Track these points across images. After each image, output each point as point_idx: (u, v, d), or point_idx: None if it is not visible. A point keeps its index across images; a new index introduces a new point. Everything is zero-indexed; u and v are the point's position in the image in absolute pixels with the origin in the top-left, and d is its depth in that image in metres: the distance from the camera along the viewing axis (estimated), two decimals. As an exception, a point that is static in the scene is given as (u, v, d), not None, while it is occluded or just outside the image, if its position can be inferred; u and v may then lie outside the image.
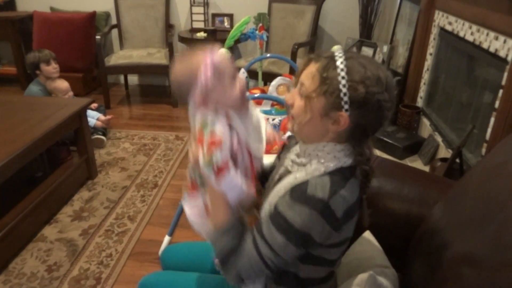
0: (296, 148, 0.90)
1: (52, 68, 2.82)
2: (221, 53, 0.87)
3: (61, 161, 2.33)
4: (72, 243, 1.92)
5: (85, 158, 2.38)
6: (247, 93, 0.92)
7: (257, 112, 0.96)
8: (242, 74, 2.17)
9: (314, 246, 0.80)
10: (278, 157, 1.01)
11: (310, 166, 0.82)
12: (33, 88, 2.79)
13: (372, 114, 0.76)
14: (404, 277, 1.02)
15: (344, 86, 0.74)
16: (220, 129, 0.83)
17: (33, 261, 1.81)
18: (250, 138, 0.89)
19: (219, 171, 0.81)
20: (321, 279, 0.89)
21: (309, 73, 0.79)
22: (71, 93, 2.88)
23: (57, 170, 2.23)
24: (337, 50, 0.79)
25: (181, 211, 1.71)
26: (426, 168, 2.12)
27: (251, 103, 0.94)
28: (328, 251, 0.82)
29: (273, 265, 0.81)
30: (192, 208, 0.93)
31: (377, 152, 2.33)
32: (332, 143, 0.81)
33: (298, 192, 0.77)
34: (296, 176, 0.82)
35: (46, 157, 2.28)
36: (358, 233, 1.09)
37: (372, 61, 0.77)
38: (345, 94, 0.74)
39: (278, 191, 0.83)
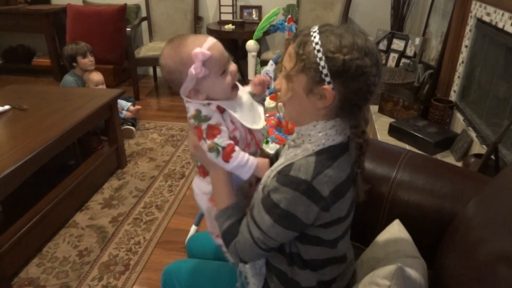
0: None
1: (89, 60, 2.90)
2: (213, 44, 0.86)
3: (92, 150, 2.39)
4: (102, 230, 1.98)
5: (115, 147, 2.44)
6: (237, 84, 0.93)
7: (244, 91, 0.97)
8: (271, 66, 2.16)
9: (305, 227, 0.80)
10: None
11: (302, 147, 0.83)
12: (69, 78, 2.88)
13: (356, 82, 0.74)
14: (434, 274, 0.99)
15: (320, 59, 0.73)
16: (215, 120, 0.87)
17: (65, 246, 1.87)
18: (243, 121, 0.90)
19: (225, 152, 0.86)
20: (328, 260, 0.88)
21: (288, 54, 0.79)
22: (103, 86, 2.96)
23: (88, 159, 2.29)
24: (314, 27, 0.78)
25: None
26: (459, 164, 2.05)
27: (240, 86, 0.96)
28: (322, 231, 0.82)
29: (265, 246, 0.83)
30: (199, 184, 0.99)
31: (407, 147, 2.28)
32: (323, 120, 0.80)
33: (283, 175, 0.78)
34: (287, 158, 0.83)
35: (78, 146, 2.35)
36: (387, 222, 1.07)
37: (348, 30, 0.76)
38: (323, 67, 0.73)
39: (270, 173, 0.85)
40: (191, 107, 0.89)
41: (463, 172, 1.23)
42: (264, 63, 2.47)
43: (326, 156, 0.79)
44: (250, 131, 0.93)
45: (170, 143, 2.87)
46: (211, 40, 0.87)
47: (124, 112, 2.96)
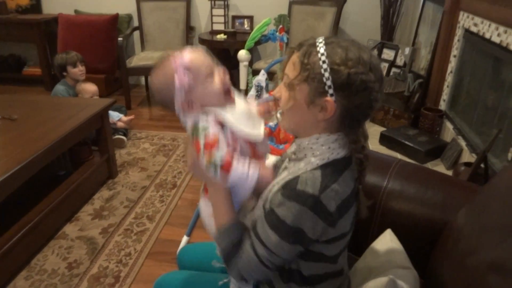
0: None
1: (79, 70, 2.88)
2: (192, 52, 0.85)
3: (83, 160, 2.37)
4: (92, 241, 1.95)
5: (106, 157, 2.42)
6: (230, 86, 0.90)
7: (241, 99, 0.94)
8: (262, 75, 2.17)
9: (310, 243, 0.78)
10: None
11: (305, 160, 0.81)
12: (60, 87, 2.86)
13: (358, 97, 0.74)
14: (425, 283, 0.99)
15: (325, 70, 0.73)
16: (213, 130, 0.83)
17: (54, 258, 1.84)
18: (243, 127, 0.86)
19: (223, 168, 0.81)
20: (327, 275, 0.87)
21: (291, 62, 0.79)
22: (96, 97, 2.94)
23: (79, 169, 2.27)
24: (320, 37, 0.78)
25: (199, 212, 1.71)
26: (449, 173, 2.07)
27: (236, 92, 0.93)
28: (326, 247, 0.81)
29: (271, 264, 0.81)
30: (206, 207, 0.94)
31: (398, 156, 2.29)
32: (325, 134, 0.80)
33: (289, 189, 0.77)
34: (290, 172, 0.82)
35: (68, 156, 2.33)
36: (378, 232, 1.07)
37: (354, 43, 0.76)
38: (327, 78, 0.73)
39: (272, 187, 0.83)
40: (188, 121, 0.86)
41: (453, 181, 1.24)
42: (255, 72, 2.48)
43: (332, 170, 0.77)
44: (251, 144, 0.90)
45: (162, 153, 2.85)
46: (190, 48, 0.86)
47: (115, 120, 2.93)
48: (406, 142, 2.28)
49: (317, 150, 0.80)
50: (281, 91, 0.82)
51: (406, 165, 1.22)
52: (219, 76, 0.87)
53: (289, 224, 0.75)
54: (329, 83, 0.73)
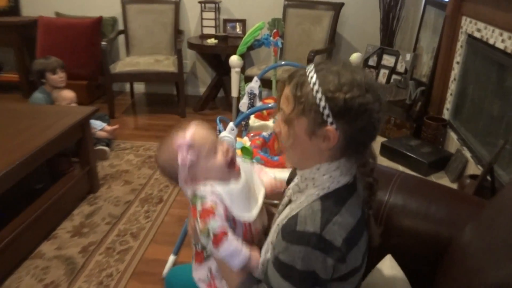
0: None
1: (58, 77, 2.87)
2: (195, 130, 0.95)
3: (62, 173, 2.35)
4: (70, 261, 1.92)
5: (87, 170, 2.40)
6: (235, 159, 0.98)
7: (246, 174, 0.99)
8: (255, 82, 2.17)
9: (324, 283, 0.77)
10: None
11: (306, 192, 0.82)
12: (38, 95, 2.85)
13: (360, 120, 0.75)
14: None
15: (320, 99, 0.74)
16: (211, 198, 0.89)
17: (29, 280, 1.81)
18: (235, 208, 0.91)
19: (216, 239, 0.86)
20: None
21: (285, 97, 0.80)
22: (74, 104, 2.92)
23: (58, 183, 2.24)
24: (310, 65, 0.80)
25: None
26: (454, 186, 2.08)
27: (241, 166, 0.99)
28: (340, 285, 0.79)
29: None
30: (197, 273, 1.01)
31: (400, 168, 2.30)
32: (326, 162, 0.80)
33: (289, 231, 0.77)
34: (292, 207, 0.83)
35: (46, 168, 2.30)
36: (378, 257, 1.06)
37: (346, 66, 0.77)
38: (324, 107, 0.74)
39: (276, 228, 0.84)
40: (189, 191, 0.94)
41: (459, 195, 1.24)
42: (248, 79, 2.49)
43: (333, 200, 0.78)
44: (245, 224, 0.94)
45: (148, 165, 2.83)
46: (193, 127, 0.94)
47: (97, 130, 2.91)
48: (408, 153, 2.29)
49: (317, 180, 0.81)
50: (280, 126, 0.83)
51: (408, 178, 1.22)
52: (222, 151, 0.94)
53: (300, 269, 0.74)
54: (326, 112, 0.74)
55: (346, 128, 0.75)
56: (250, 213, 0.93)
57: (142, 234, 2.12)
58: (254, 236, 0.96)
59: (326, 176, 0.80)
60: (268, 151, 1.92)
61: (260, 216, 0.97)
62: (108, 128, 2.99)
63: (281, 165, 1.66)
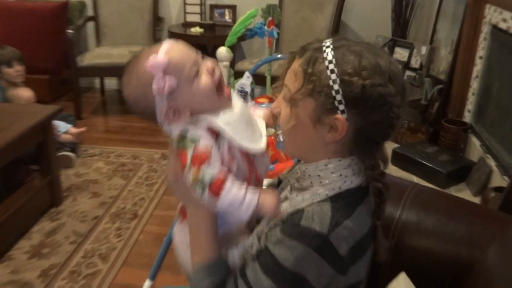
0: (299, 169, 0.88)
1: (15, 71, 2.86)
2: (169, 46, 0.84)
3: (19, 183, 2.33)
4: (28, 287, 1.90)
5: (48, 180, 2.39)
6: (224, 81, 0.89)
7: (240, 102, 0.92)
8: (247, 78, 2.18)
9: None
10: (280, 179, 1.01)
11: (310, 190, 0.81)
12: (-10, 92, 2.83)
13: (376, 114, 0.73)
14: None
15: (334, 81, 0.72)
16: (204, 142, 0.82)
17: (-22, 309, 1.79)
18: (241, 138, 0.85)
19: (213, 189, 0.79)
20: None
21: (292, 71, 0.78)
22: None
23: (14, 194, 2.23)
24: (328, 40, 0.77)
25: (166, 248, 1.69)
26: (477, 200, 2.09)
27: (233, 92, 0.91)
28: None
29: None
30: (182, 235, 0.93)
31: (414, 179, 2.31)
32: (336, 158, 0.79)
33: (291, 224, 0.76)
34: (291, 203, 0.81)
35: (1, 178, 2.28)
36: (391, 275, 1.07)
37: (369, 48, 0.76)
38: (337, 92, 0.72)
39: (269, 221, 0.82)
40: (174, 130, 0.85)
41: (482, 211, 1.25)
42: (238, 74, 2.49)
43: (344, 202, 0.77)
44: (250, 162, 0.89)
45: (120, 174, 2.82)
46: (166, 43, 0.84)
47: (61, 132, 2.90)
48: (424, 162, 2.31)
49: (326, 178, 0.80)
50: (280, 106, 0.82)
51: (423, 190, 1.23)
52: (208, 72, 0.86)
53: (288, 269, 0.73)
54: (339, 97, 0.73)
55: (358, 120, 0.74)
56: (258, 144, 0.88)
57: (113, 255, 2.11)
58: (258, 184, 0.91)
59: (336, 174, 0.79)
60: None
61: (263, 156, 0.92)
62: (74, 130, 2.98)
63: (275, 175, 1.66)
